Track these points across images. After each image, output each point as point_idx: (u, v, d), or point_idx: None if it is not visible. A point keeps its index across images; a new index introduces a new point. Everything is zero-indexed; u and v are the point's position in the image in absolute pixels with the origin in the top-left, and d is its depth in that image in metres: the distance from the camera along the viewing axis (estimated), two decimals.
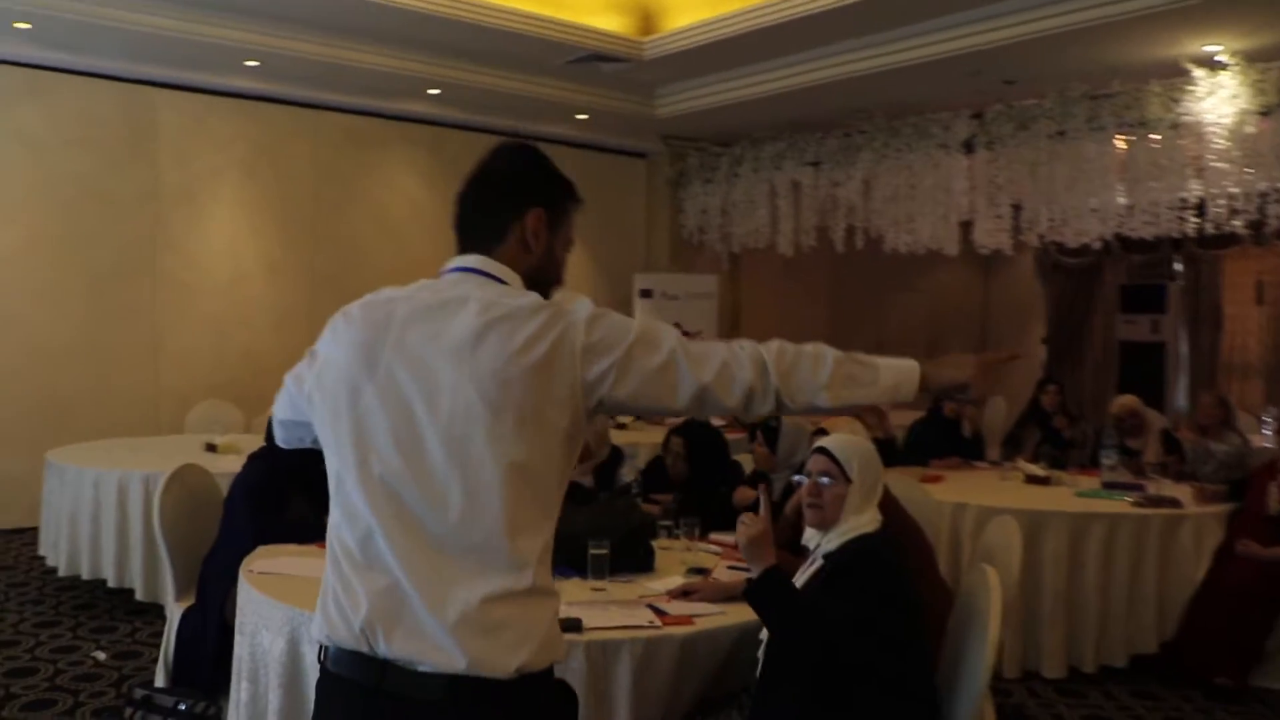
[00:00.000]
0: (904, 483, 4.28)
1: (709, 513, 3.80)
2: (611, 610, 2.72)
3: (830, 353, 1.74)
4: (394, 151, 9.11)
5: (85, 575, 5.35)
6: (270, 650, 2.76)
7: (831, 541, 2.65)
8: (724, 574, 3.24)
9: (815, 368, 1.72)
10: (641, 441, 6.85)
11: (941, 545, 4.69)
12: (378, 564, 1.64)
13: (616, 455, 4.69)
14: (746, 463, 4.53)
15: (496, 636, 1.60)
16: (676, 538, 3.60)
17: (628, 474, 4.79)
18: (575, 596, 2.88)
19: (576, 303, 1.70)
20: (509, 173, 1.82)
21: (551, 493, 1.68)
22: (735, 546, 3.61)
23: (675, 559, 3.43)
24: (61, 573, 5.49)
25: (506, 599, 1.61)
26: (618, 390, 1.65)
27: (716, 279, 10.67)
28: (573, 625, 2.52)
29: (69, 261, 7.55)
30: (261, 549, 3.41)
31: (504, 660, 1.59)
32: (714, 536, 3.72)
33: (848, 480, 2.67)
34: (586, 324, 1.65)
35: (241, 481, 3.73)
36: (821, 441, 2.81)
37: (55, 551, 5.51)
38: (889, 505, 3.11)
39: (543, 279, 1.80)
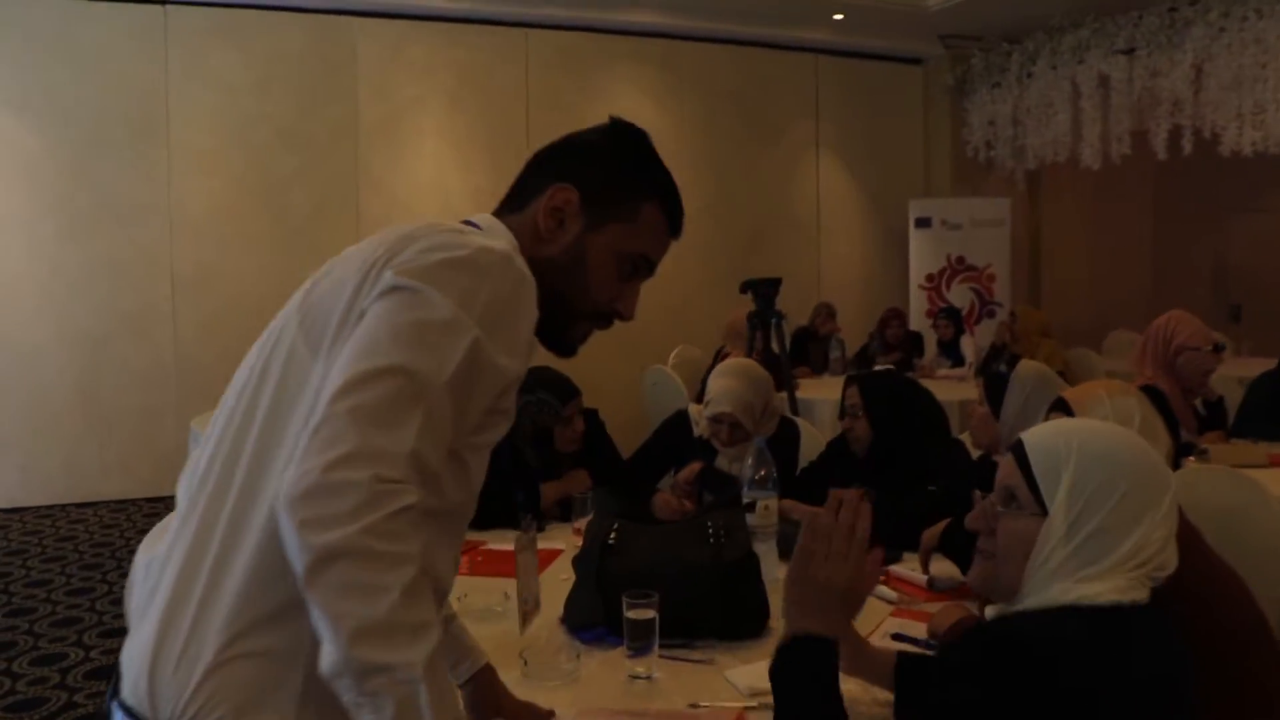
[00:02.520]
0: (1212, 475, 2.72)
1: (906, 520, 2.48)
2: None
3: (411, 580, 0.99)
4: (617, 70, 8.08)
5: None
6: None
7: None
8: (880, 644, 1.93)
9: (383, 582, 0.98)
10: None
11: None
12: None
13: (790, 430, 3.27)
14: None
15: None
16: None
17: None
18: (594, 694, 1.70)
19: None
20: (576, 141, 1.34)
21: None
22: (930, 586, 2.33)
23: None
24: None
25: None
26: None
27: (1009, 202, 8.97)
28: None
29: (267, 209, 7.12)
30: None
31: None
32: (895, 570, 2.39)
33: (1041, 507, 1.30)
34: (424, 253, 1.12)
35: None
36: (1028, 432, 1.44)
37: None
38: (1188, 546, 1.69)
39: (561, 293, 1.26)
